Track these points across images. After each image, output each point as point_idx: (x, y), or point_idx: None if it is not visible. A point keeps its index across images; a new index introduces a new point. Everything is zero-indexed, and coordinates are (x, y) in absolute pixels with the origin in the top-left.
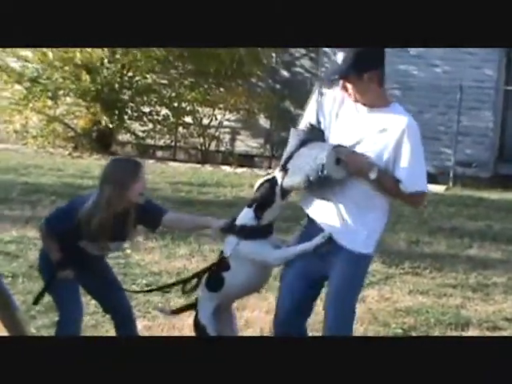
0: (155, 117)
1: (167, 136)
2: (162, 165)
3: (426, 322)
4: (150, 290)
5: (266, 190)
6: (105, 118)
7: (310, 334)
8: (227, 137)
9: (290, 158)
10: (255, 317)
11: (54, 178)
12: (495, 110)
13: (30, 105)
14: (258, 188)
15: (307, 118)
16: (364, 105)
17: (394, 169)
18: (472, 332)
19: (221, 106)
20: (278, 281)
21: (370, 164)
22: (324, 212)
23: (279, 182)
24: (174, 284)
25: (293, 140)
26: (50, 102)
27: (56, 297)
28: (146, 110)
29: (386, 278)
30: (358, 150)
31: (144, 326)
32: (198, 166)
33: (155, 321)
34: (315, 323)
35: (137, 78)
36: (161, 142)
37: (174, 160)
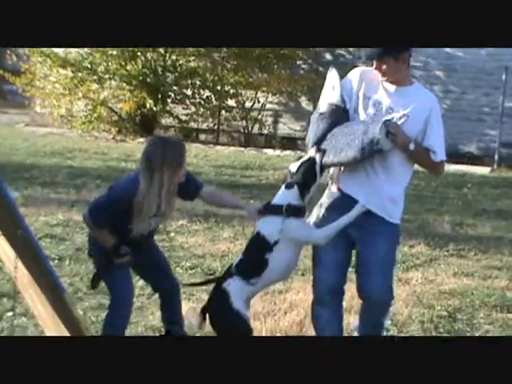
0: (198, 100)
1: (210, 119)
2: (205, 148)
3: (471, 304)
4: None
5: (308, 170)
6: (149, 100)
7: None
8: (270, 120)
9: (322, 138)
10: (300, 299)
11: (98, 162)
12: None
13: (77, 90)
14: (298, 169)
15: (327, 100)
16: (391, 83)
17: (425, 140)
18: None
19: (264, 88)
20: None
21: (409, 136)
22: (360, 185)
23: (318, 161)
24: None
25: (320, 122)
26: (94, 87)
27: (109, 280)
28: (189, 93)
29: (431, 260)
30: None
31: (189, 308)
32: (241, 149)
33: (200, 303)
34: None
35: (180, 62)
36: (204, 126)
37: (217, 143)
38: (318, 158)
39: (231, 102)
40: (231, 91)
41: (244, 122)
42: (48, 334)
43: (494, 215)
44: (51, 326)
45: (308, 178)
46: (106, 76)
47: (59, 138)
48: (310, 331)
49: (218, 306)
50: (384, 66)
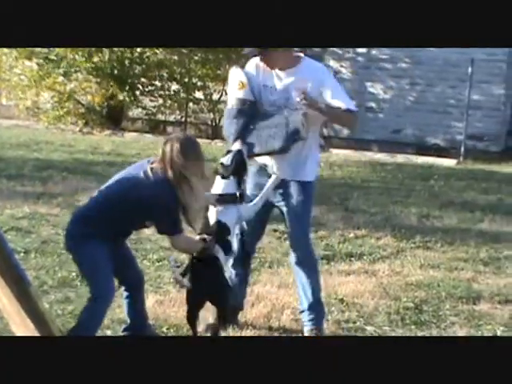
0: (166, 92)
1: (178, 112)
2: None
3: (437, 296)
4: None
5: (240, 162)
6: (118, 90)
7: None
8: None
9: (243, 132)
10: (267, 291)
11: (65, 155)
12: (507, 84)
13: (43, 82)
14: (232, 161)
15: (239, 96)
16: (280, 69)
17: (330, 101)
18: (483, 305)
19: None
20: (287, 256)
21: (317, 103)
22: (275, 158)
23: (245, 153)
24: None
25: (239, 117)
26: (60, 79)
27: (93, 274)
28: (157, 85)
29: (397, 252)
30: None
31: (156, 301)
32: (208, 141)
33: (167, 296)
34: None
35: (147, 54)
36: (171, 118)
37: None
38: (244, 150)
39: (199, 95)
40: (199, 83)
41: (211, 115)
42: (13, 327)
43: (459, 207)
44: (16, 320)
45: (242, 168)
46: (72, 69)
47: (25, 131)
48: (277, 323)
49: (223, 283)
50: (270, 56)
